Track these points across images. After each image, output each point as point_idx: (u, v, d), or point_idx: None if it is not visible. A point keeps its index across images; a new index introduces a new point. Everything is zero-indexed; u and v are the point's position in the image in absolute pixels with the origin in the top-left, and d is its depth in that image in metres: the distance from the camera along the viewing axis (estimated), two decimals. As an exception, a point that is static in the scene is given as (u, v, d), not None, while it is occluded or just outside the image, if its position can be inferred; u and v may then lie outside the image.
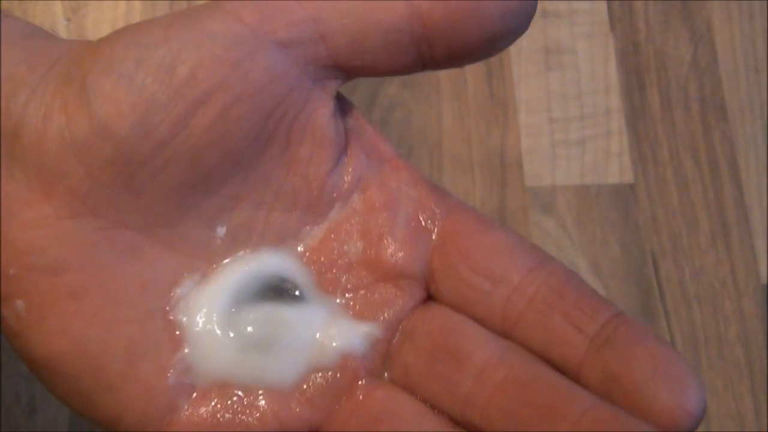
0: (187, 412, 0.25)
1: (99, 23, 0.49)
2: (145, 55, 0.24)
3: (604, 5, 0.49)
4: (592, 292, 0.25)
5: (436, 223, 0.27)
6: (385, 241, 0.27)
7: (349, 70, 0.26)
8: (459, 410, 0.25)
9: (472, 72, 0.48)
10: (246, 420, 0.25)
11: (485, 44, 0.25)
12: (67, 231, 0.25)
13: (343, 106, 0.27)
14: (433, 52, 0.25)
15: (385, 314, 0.27)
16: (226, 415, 0.26)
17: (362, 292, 0.27)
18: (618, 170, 0.46)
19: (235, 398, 0.26)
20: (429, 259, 0.27)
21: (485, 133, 0.46)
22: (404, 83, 0.47)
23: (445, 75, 0.48)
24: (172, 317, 0.26)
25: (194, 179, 0.25)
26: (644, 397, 0.23)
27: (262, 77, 0.25)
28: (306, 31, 0.25)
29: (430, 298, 0.27)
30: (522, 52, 0.48)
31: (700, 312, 0.44)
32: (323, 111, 0.26)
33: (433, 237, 0.27)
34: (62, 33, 0.48)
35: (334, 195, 0.27)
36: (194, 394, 0.26)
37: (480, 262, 0.26)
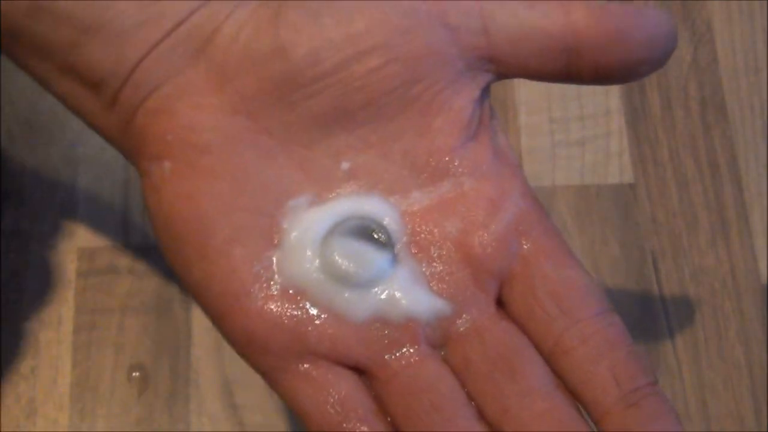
0: (258, 302, 0.28)
1: None
2: (333, 1, 0.28)
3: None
4: (639, 356, 0.28)
5: (530, 236, 0.29)
6: (482, 233, 0.29)
7: (502, 66, 0.29)
8: (496, 418, 0.28)
9: (472, 72, 0.48)
10: (304, 330, 0.28)
11: (629, 66, 0.28)
12: (223, 122, 0.29)
13: (488, 106, 0.30)
14: (581, 65, 0.28)
15: (459, 298, 0.29)
16: (290, 319, 0.28)
17: (445, 268, 0.29)
18: (618, 170, 0.46)
19: (302, 308, 0.28)
20: (512, 266, 0.29)
21: (485, 133, 0.46)
22: (404, 83, 0.47)
23: (445, 75, 0.48)
24: (277, 221, 0.29)
25: (338, 114, 0.28)
26: None
27: (421, 49, 0.28)
28: (473, 21, 0.28)
29: (500, 299, 0.29)
30: (522, 52, 0.48)
31: (700, 312, 0.43)
32: (466, 95, 0.29)
33: (523, 248, 0.29)
34: None
35: (451, 171, 0.29)
36: (270, 290, 0.28)
37: (556, 290, 0.28)
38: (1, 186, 0.44)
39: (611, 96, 0.47)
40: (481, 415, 0.28)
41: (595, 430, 0.28)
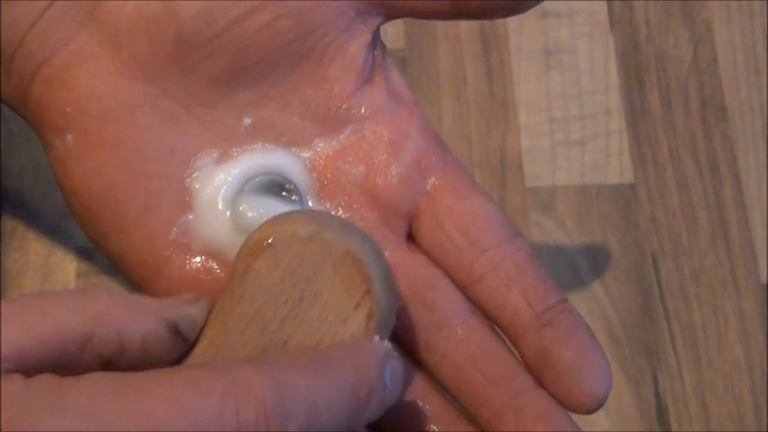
0: (178, 268, 0.29)
1: None
2: None
3: (604, 5, 0.49)
4: (546, 276, 0.29)
5: (432, 172, 0.30)
6: (385, 174, 0.30)
7: (391, 9, 0.29)
8: (417, 350, 0.29)
9: (472, 71, 0.48)
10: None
11: (514, 2, 0.29)
12: (121, 88, 0.28)
13: (380, 47, 0.30)
14: (468, 3, 0.29)
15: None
16: (211, 281, 0.29)
17: (354, 213, 0.30)
18: (618, 170, 0.46)
19: (221, 269, 0.29)
20: (418, 203, 0.30)
21: (485, 133, 0.46)
22: (404, 83, 0.47)
23: (445, 75, 0.48)
24: (187, 184, 0.29)
25: (234, 71, 0.29)
26: (567, 378, 0.27)
27: (312, 1, 0.28)
28: None
29: (410, 235, 0.30)
30: (522, 52, 0.48)
31: (700, 312, 0.43)
32: (358, 41, 0.29)
33: (427, 184, 0.30)
34: None
35: (350, 117, 0.30)
36: (188, 255, 0.29)
37: (462, 222, 0.29)
38: (1, 186, 0.44)
39: (611, 96, 0.47)
40: (405, 351, 0.29)
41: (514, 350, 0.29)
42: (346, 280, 0.26)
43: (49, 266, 0.43)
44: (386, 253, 0.29)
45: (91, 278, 0.43)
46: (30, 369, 0.21)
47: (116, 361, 0.23)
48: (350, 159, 0.30)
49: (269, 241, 0.26)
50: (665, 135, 0.47)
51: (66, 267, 0.43)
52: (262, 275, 0.26)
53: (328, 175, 0.30)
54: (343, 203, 0.30)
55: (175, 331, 0.24)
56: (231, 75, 0.29)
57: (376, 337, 0.26)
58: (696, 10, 0.49)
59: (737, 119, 0.47)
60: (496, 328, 0.29)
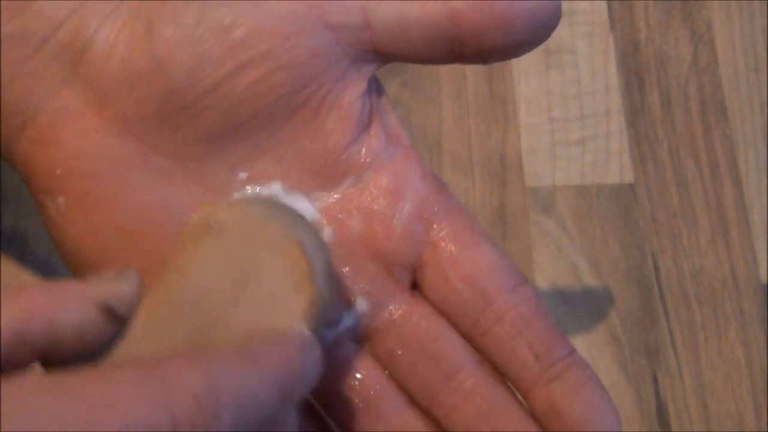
0: None
1: None
2: (207, 11, 0.27)
3: (604, 5, 0.49)
4: (554, 327, 0.29)
5: (435, 220, 0.29)
6: (387, 226, 0.29)
7: (386, 56, 0.28)
8: (426, 404, 0.28)
9: (472, 72, 0.48)
10: None
11: (511, 48, 0.28)
12: (110, 147, 0.27)
13: (375, 89, 0.30)
14: (464, 50, 0.28)
15: (375, 294, 0.29)
16: None
17: (357, 267, 0.29)
18: (618, 170, 0.46)
19: None
20: (421, 253, 0.29)
21: (485, 133, 0.46)
22: (404, 83, 0.47)
23: (445, 75, 0.48)
24: None
25: (226, 127, 0.28)
26: None
27: (305, 53, 0.27)
28: (354, 17, 0.28)
29: (414, 285, 0.30)
30: (522, 52, 0.48)
31: (700, 312, 0.43)
32: (354, 90, 0.28)
33: (430, 233, 0.29)
34: None
35: (349, 168, 0.29)
36: None
37: (467, 272, 0.29)
38: (1, 186, 0.44)
39: (611, 96, 0.47)
40: (413, 403, 0.29)
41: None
42: (291, 268, 0.26)
43: (49, 266, 0.43)
44: (390, 306, 0.29)
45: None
46: None
47: (54, 351, 0.23)
48: (350, 211, 0.29)
49: (219, 221, 0.26)
50: (665, 135, 0.47)
51: (66, 267, 0.43)
52: (207, 254, 0.26)
53: (329, 228, 0.29)
54: (344, 256, 0.29)
55: (108, 311, 0.24)
56: (223, 132, 0.28)
57: (308, 327, 0.26)
58: (696, 10, 0.49)
59: (737, 119, 0.47)
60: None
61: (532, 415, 0.28)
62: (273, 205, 0.28)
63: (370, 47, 0.28)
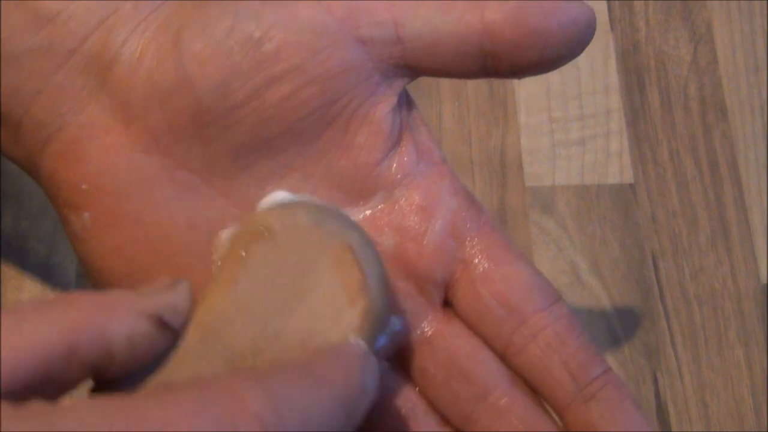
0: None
1: None
2: (237, 24, 0.26)
3: (604, 5, 0.49)
4: (589, 345, 0.28)
5: (467, 237, 0.29)
6: (418, 243, 0.28)
7: (418, 71, 0.28)
8: (460, 423, 0.28)
9: (472, 72, 0.48)
10: None
11: (546, 63, 0.27)
12: (137, 162, 0.27)
13: (405, 103, 0.29)
14: (497, 65, 0.27)
15: (407, 311, 0.28)
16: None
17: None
18: (618, 170, 0.46)
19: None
20: (453, 270, 0.28)
21: (485, 133, 0.46)
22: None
23: (445, 75, 0.48)
24: (212, 257, 0.27)
25: (255, 143, 0.27)
26: None
27: (336, 67, 0.27)
28: (386, 32, 0.27)
29: (446, 302, 0.29)
30: (522, 52, 0.48)
31: (700, 312, 0.43)
32: (384, 105, 0.28)
33: (462, 250, 0.28)
34: None
35: (380, 184, 0.28)
36: None
37: (500, 289, 0.28)
38: (1, 186, 0.44)
39: (611, 96, 0.47)
40: (446, 422, 0.28)
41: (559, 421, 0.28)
42: (344, 275, 0.25)
43: (49, 266, 0.43)
44: (423, 324, 0.28)
45: (91, 278, 0.43)
46: (17, 392, 0.20)
47: (106, 365, 0.23)
48: (381, 228, 0.28)
49: (269, 228, 0.26)
50: (665, 135, 0.47)
51: (66, 267, 0.43)
52: (258, 263, 0.25)
53: None
54: None
55: (160, 323, 0.24)
56: (251, 147, 0.27)
57: (363, 338, 0.25)
58: (696, 10, 0.49)
59: (737, 119, 0.47)
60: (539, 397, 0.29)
61: None
62: (323, 208, 0.27)
63: (402, 62, 0.27)
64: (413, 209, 0.28)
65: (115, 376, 0.23)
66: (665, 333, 0.43)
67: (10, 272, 0.42)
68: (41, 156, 0.27)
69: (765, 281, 0.44)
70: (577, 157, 0.46)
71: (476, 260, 0.28)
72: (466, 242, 0.29)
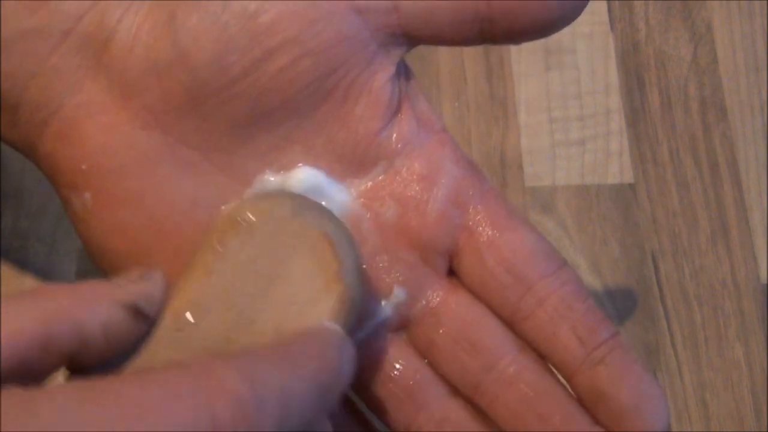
0: None
1: None
2: None
3: (604, 5, 0.49)
4: (596, 309, 0.28)
5: (470, 204, 0.28)
6: (420, 212, 0.28)
7: (415, 39, 0.28)
8: (469, 394, 0.28)
9: (472, 71, 0.48)
10: None
11: (542, 27, 0.27)
12: (136, 140, 0.27)
13: (404, 73, 0.29)
14: (494, 30, 0.27)
15: (412, 282, 0.28)
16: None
17: (392, 256, 0.28)
18: (618, 170, 0.46)
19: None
20: (457, 238, 0.28)
21: (485, 133, 0.46)
22: (404, 83, 0.47)
23: (445, 75, 0.48)
24: None
25: (254, 116, 0.27)
26: (625, 419, 0.26)
27: (333, 38, 0.26)
28: (382, 0, 0.27)
29: (451, 271, 0.29)
30: (522, 52, 0.48)
31: (700, 312, 0.43)
32: (382, 74, 0.28)
33: (466, 218, 0.28)
34: None
35: (380, 154, 0.28)
36: None
37: (505, 256, 0.28)
38: (1, 186, 0.44)
39: (611, 96, 0.47)
40: (455, 392, 0.28)
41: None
42: (320, 263, 0.25)
43: (49, 266, 0.43)
44: (428, 294, 0.28)
45: (91, 278, 0.43)
46: None
47: (81, 354, 0.23)
48: (383, 199, 0.28)
49: (246, 217, 0.26)
50: (665, 135, 0.47)
51: (66, 267, 0.43)
52: (235, 251, 0.25)
53: (363, 218, 0.28)
54: (378, 244, 0.28)
55: (135, 312, 0.24)
56: (250, 120, 0.27)
57: (339, 323, 0.25)
58: (696, 10, 0.49)
59: (737, 119, 0.47)
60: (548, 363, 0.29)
61: (578, 399, 0.28)
62: (300, 198, 0.27)
63: (399, 30, 0.27)
64: (415, 178, 0.28)
65: (91, 364, 0.23)
66: (665, 333, 0.43)
67: (10, 272, 0.42)
68: (40, 138, 0.27)
69: (765, 281, 0.44)
70: (577, 157, 0.46)
71: (480, 228, 0.28)
72: (470, 210, 0.28)
